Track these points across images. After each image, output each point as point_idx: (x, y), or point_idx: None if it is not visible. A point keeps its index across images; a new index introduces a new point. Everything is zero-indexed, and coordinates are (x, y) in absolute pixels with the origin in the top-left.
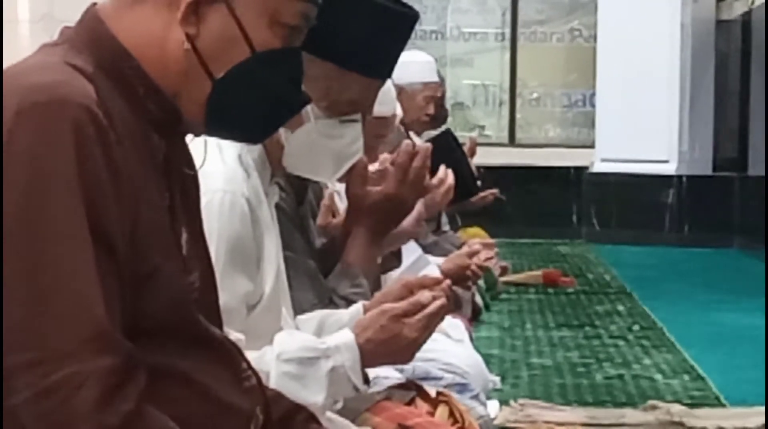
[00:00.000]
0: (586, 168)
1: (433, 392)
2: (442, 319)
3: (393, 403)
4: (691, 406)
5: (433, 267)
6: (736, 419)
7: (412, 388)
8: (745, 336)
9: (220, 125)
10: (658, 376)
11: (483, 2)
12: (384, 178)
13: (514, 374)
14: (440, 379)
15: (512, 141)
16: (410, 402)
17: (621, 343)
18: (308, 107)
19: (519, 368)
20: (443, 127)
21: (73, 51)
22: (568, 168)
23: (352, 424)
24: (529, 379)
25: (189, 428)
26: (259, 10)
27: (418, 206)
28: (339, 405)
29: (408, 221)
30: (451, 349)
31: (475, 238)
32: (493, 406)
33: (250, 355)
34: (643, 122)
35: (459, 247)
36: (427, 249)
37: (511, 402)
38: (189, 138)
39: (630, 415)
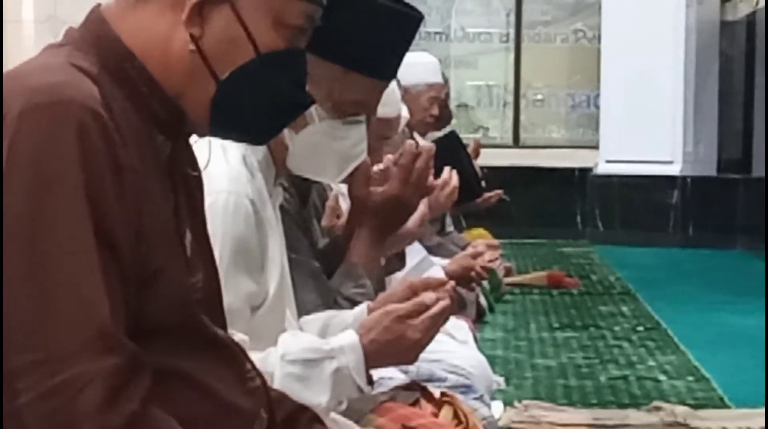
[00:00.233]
0: (591, 169)
1: (437, 393)
2: (446, 320)
3: (397, 404)
4: (695, 407)
5: (438, 268)
6: (740, 420)
7: (416, 389)
8: (749, 337)
9: (224, 126)
10: (663, 377)
11: (487, 3)
12: (387, 178)
13: (519, 375)
14: (444, 380)
15: (516, 142)
16: (414, 403)
17: (625, 344)
18: (312, 108)
19: (523, 369)
20: (447, 128)
21: (78, 52)
22: (572, 169)
23: (356, 425)
24: (533, 380)
25: None
26: (264, 11)
27: (422, 207)
28: (343, 406)
29: (412, 222)
30: (455, 350)
31: (480, 239)
32: (497, 407)
33: (254, 356)
34: (647, 123)
35: (463, 249)
36: (431, 250)
37: (515, 403)
38: (193, 139)
39: (634, 416)
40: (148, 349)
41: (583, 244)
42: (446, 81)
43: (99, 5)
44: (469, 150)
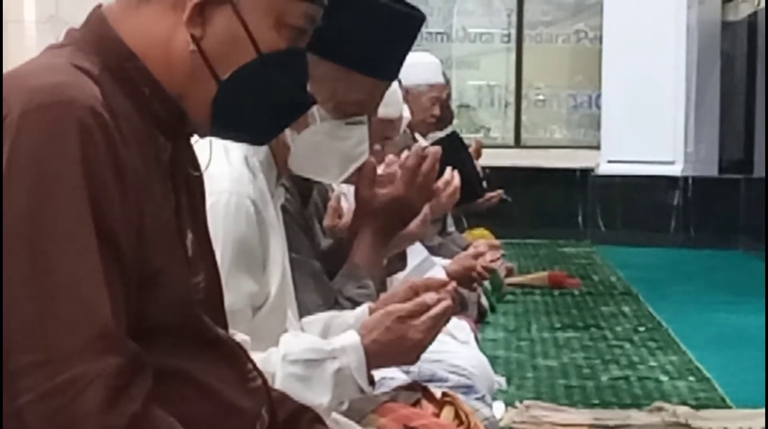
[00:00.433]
0: (592, 169)
1: (438, 393)
2: (447, 320)
3: (398, 405)
4: (697, 407)
5: (439, 268)
6: (742, 420)
7: (417, 390)
8: (750, 337)
9: (225, 126)
10: (664, 378)
11: (489, 4)
12: (392, 180)
13: (520, 375)
14: (446, 380)
15: (518, 142)
16: (416, 403)
17: (626, 344)
18: (314, 109)
19: (524, 369)
20: (449, 129)
21: (79, 52)
22: (573, 169)
23: (357, 425)
24: (534, 381)
25: None
26: (265, 11)
27: (424, 208)
28: (344, 406)
29: (414, 223)
30: (456, 350)
31: (481, 239)
32: (498, 408)
33: (256, 356)
34: (648, 124)
35: (465, 249)
36: (432, 250)
37: (517, 403)
38: (194, 139)
39: (635, 416)
40: (149, 349)
41: (584, 245)
42: (448, 81)
43: (100, 5)
44: (471, 150)
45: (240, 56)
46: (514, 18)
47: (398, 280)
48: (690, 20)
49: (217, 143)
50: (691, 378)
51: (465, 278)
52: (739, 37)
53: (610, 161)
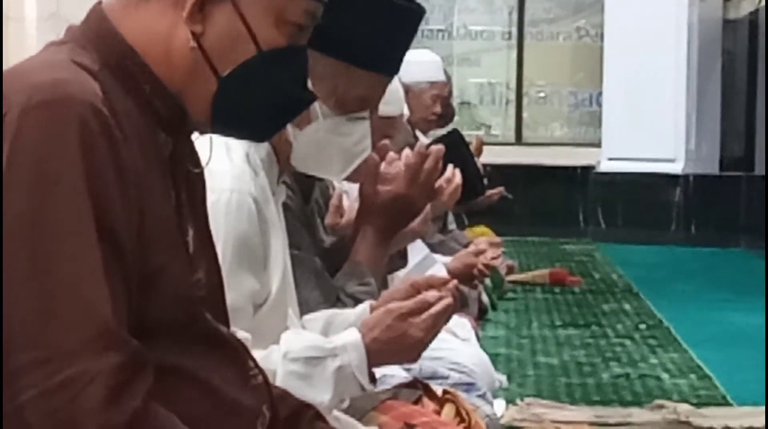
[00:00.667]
0: (593, 167)
1: (439, 391)
2: (449, 318)
3: (399, 402)
4: (698, 405)
5: (440, 266)
6: (743, 418)
7: (418, 387)
8: (751, 335)
9: (225, 123)
10: (665, 376)
11: (490, 1)
12: (395, 178)
13: (521, 373)
14: (447, 378)
15: (519, 140)
16: (417, 401)
17: (627, 342)
18: (316, 105)
19: (525, 367)
20: (450, 126)
21: (79, 49)
22: (574, 167)
23: (358, 422)
24: (535, 378)
25: (196, 426)
26: (265, 8)
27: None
28: (345, 404)
29: (415, 220)
30: (457, 348)
31: (482, 237)
32: (499, 405)
33: (257, 354)
34: (649, 121)
35: (465, 246)
36: (433, 248)
37: (518, 401)
38: (195, 136)
39: (637, 414)
40: (150, 347)
41: (585, 242)
42: (449, 79)
43: (100, 2)
44: (472, 148)
45: (240, 53)
46: (515, 15)
47: (399, 278)
48: (691, 18)
49: (219, 140)
50: (692, 376)
51: (466, 276)
52: (740, 35)
53: (610, 159)
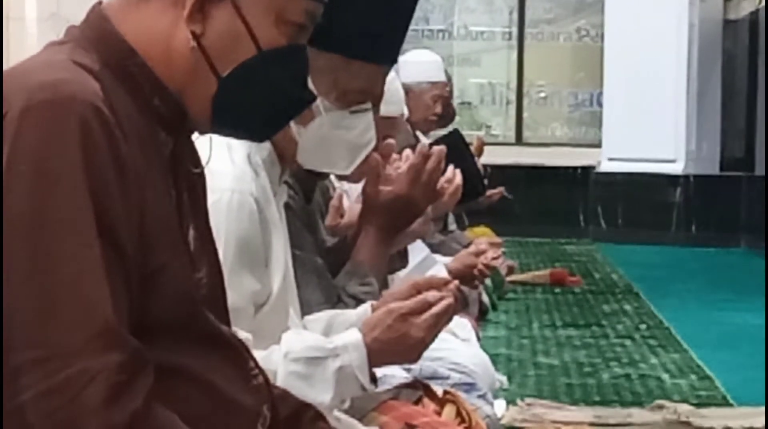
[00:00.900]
0: (593, 167)
1: (440, 391)
2: (450, 319)
3: (400, 403)
4: (698, 405)
5: (441, 266)
6: (744, 419)
7: (419, 388)
8: (752, 335)
9: (225, 123)
10: (665, 376)
11: (490, 1)
12: (398, 178)
13: (521, 373)
14: (447, 378)
15: (519, 140)
16: (417, 401)
17: (628, 342)
18: (317, 101)
19: (526, 367)
20: (450, 127)
21: (79, 49)
22: (575, 167)
23: (359, 423)
24: (535, 379)
25: (196, 426)
26: (265, 8)
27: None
28: (346, 404)
29: (416, 221)
30: (458, 348)
31: (482, 237)
32: (499, 406)
33: (258, 354)
34: (650, 121)
35: (466, 247)
36: (434, 248)
37: (518, 401)
38: (195, 136)
39: (637, 414)
40: (151, 346)
41: (585, 243)
42: (449, 79)
43: (100, 2)
44: (473, 148)
45: (240, 53)
46: (515, 16)
47: (399, 278)
48: (691, 18)
49: (220, 141)
50: (693, 376)
51: (466, 276)
52: (741, 35)
53: (611, 159)
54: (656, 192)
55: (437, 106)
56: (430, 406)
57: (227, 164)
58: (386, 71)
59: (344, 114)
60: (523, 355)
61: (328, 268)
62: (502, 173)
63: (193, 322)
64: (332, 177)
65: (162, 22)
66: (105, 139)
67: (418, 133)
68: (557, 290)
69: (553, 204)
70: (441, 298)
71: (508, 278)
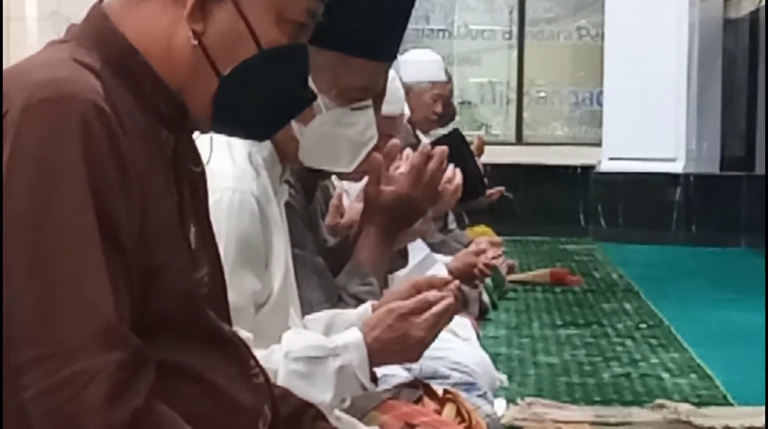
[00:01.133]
0: (594, 166)
1: (440, 391)
2: (450, 318)
3: (400, 402)
4: (699, 405)
5: (441, 266)
6: (744, 418)
7: (419, 387)
8: (752, 335)
9: (226, 122)
10: (666, 375)
11: (490, 0)
12: (399, 178)
13: (521, 373)
14: (447, 377)
15: (519, 139)
16: (417, 401)
17: (628, 341)
18: (318, 99)
19: (526, 367)
20: (451, 126)
21: (80, 48)
22: (575, 166)
23: (359, 422)
24: (536, 378)
25: (197, 425)
26: (266, 7)
27: None
28: (346, 403)
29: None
30: (458, 347)
31: (482, 236)
32: (500, 405)
33: (258, 353)
34: (650, 121)
35: (466, 246)
36: (434, 248)
37: (518, 400)
38: (195, 135)
39: (637, 413)
40: (152, 345)
41: (586, 242)
42: (449, 78)
43: (101, 1)
44: (473, 147)
45: (241, 52)
46: (515, 15)
47: (399, 278)
48: (692, 17)
49: (221, 140)
50: (693, 375)
51: (466, 275)
52: (741, 34)
53: (611, 158)
54: (656, 191)
55: (437, 105)
56: (431, 405)
57: (228, 163)
58: (387, 68)
59: (345, 111)
60: (524, 355)
61: (330, 268)
62: (503, 172)
63: (194, 320)
64: (332, 176)
65: (163, 21)
66: (106, 138)
67: (419, 133)
68: (557, 289)
69: (554, 203)
70: (441, 298)
71: (509, 277)
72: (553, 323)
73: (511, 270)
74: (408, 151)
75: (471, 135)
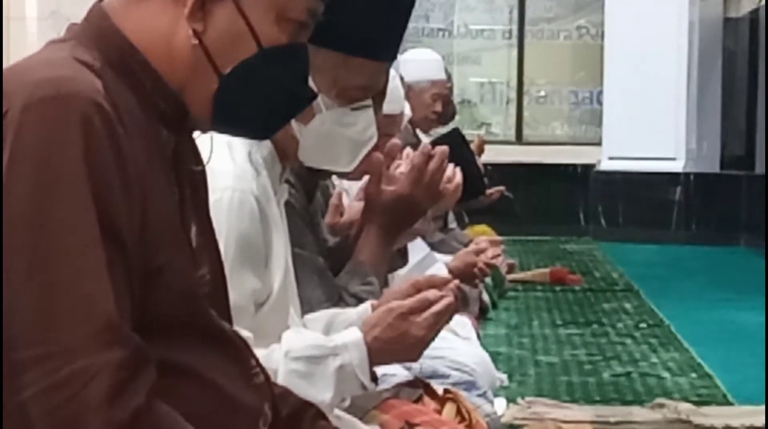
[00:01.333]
0: (594, 166)
1: (440, 390)
2: (450, 317)
3: (400, 401)
4: (699, 404)
5: (441, 265)
6: (744, 417)
7: (419, 386)
8: (752, 334)
9: (226, 121)
10: (666, 374)
11: (490, 0)
12: (400, 178)
13: (521, 372)
14: (447, 376)
15: (519, 139)
16: (418, 400)
17: (628, 341)
18: (318, 98)
19: (526, 366)
20: (451, 125)
21: (81, 47)
22: (575, 166)
23: (359, 421)
24: (536, 377)
25: (198, 424)
26: (266, 6)
27: None
28: (346, 403)
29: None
30: (458, 347)
31: (483, 235)
32: (500, 404)
33: (258, 353)
34: (650, 120)
35: (466, 245)
36: (434, 247)
37: (519, 400)
38: (196, 134)
39: (637, 413)
40: (153, 344)
41: (586, 241)
42: (449, 77)
43: (101, 0)
44: (473, 146)
45: (241, 51)
46: (515, 14)
47: (399, 277)
48: (692, 16)
49: (221, 140)
50: (693, 375)
51: (466, 275)
52: (741, 33)
53: (611, 158)
54: (656, 190)
55: (437, 104)
56: (431, 404)
57: (228, 163)
58: (387, 68)
59: (345, 111)
60: (524, 354)
61: (330, 268)
62: (503, 172)
63: (194, 319)
64: (333, 176)
65: (163, 20)
66: (107, 136)
67: (419, 132)
68: (557, 289)
69: (554, 202)
70: (441, 297)
71: (509, 277)
72: (553, 322)
73: (511, 269)
74: (408, 150)
75: (471, 134)
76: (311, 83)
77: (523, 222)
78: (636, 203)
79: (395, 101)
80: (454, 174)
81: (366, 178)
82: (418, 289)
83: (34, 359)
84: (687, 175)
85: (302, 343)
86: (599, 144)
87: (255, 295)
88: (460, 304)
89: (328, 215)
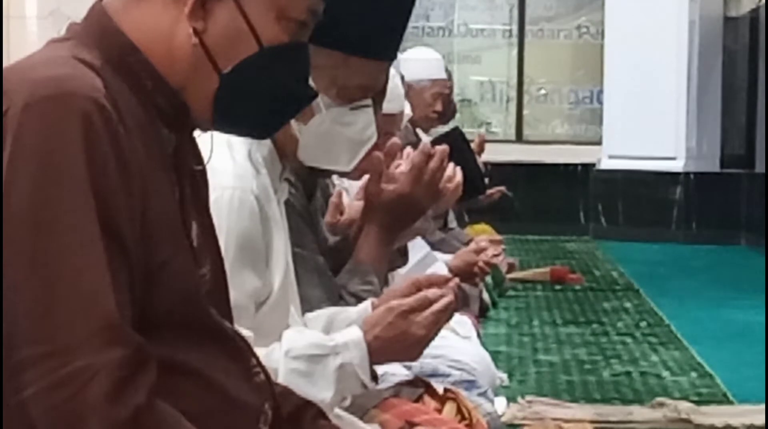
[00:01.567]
0: (594, 165)
1: (440, 389)
2: (450, 316)
3: (401, 400)
4: (699, 403)
5: (441, 264)
6: (744, 416)
7: (419, 385)
8: (752, 333)
9: (227, 120)
10: (666, 373)
11: None
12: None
13: (522, 371)
14: (448, 376)
15: (519, 138)
16: (418, 399)
17: (628, 340)
18: (318, 98)
19: (526, 365)
20: (451, 124)
21: (81, 46)
22: (575, 165)
23: (360, 420)
24: (536, 376)
25: (198, 423)
26: (267, 5)
27: None
28: (347, 402)
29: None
30: (458, 346)
31: (483, 235)
32: (500, 403)
33: (259, 351)
34: (650, 119)
35: (466, 244)
36: (434, 246)
37: (519, 399)
38: (196, 133)
39: (637, 412)
40: (154, 342)
41: (586, 240)
42: (450, 77)
43: (101, 0)
44: (474, 145)
45: (242, 50)
46: (515, 13)
47: (400, 276)
48: (692, 15)
49: (221, 139)
50: (693, 374)
51: (467, 274)
52: (741, 32)
53: (611, 157)
54: (657, 189)
55: (438, 103)
56: (431, 403)
57: (228, 162)
58: (387, 67)
59: (345, 110)
60: (524, 353)
61: (330, 267)
62: (503, 171)
63: (195, 318)
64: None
65: (163, 19)
66: (107, 135)
67: (419, 131)
68: (558, 288)
69: (554, 201)
70: (441, 296)
71: (509, 276)
72: (553, 321)
73: (511, 268)
74: (408, 149)
75: (471, 133)
76: (311, 82)
77: (523, 221)
78: (636, 202)
79: (395, 100)
80: (454, 173)
81: (366, 177)
82: (418, 287)
83: (34, 357)
84: (687, 174)
85: (303, 342)
86: (599, 143)
87: (255, 294)
88: (461, 303)
89: (328, 214)
